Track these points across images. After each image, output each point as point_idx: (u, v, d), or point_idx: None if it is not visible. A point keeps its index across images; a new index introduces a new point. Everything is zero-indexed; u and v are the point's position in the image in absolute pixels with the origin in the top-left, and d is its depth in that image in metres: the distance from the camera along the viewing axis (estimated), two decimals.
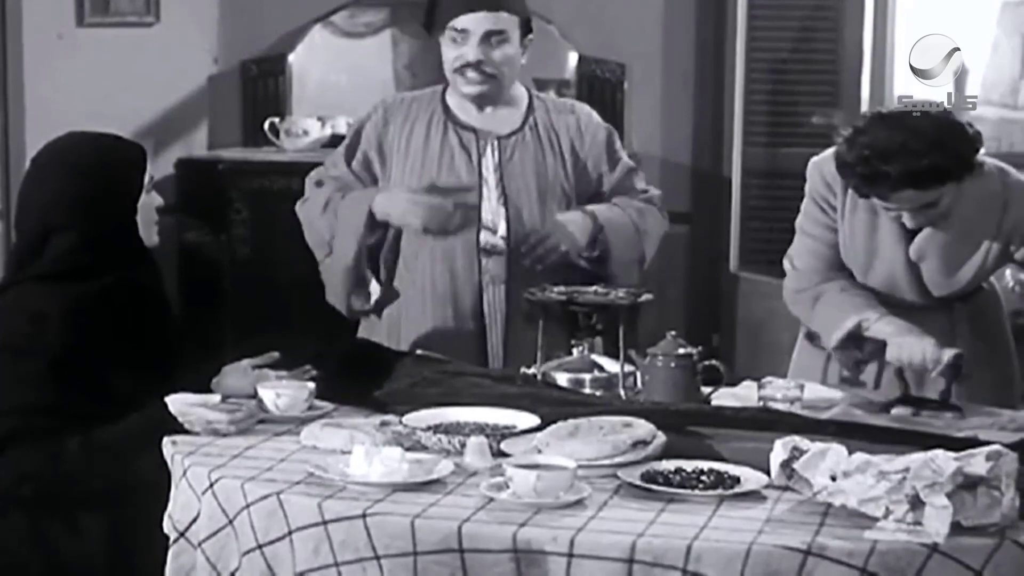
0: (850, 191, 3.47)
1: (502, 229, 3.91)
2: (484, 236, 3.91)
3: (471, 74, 3.89)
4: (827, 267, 3.62)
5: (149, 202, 3.34)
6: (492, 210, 3.92)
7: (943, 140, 3.32)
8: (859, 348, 3.56)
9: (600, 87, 6.23)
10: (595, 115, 4.10)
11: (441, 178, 3.92)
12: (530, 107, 4.00)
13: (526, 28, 4.00)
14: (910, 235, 3.49)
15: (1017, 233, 3.46)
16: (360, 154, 3.99)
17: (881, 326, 3.48)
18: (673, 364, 3.34)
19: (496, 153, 3.94)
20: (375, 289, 3.98)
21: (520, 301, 3.75)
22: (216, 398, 3.16)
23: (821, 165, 3.57)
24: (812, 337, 3.70)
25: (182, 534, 2.89)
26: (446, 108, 3.98)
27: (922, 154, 3.30)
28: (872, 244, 3.53)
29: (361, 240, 3.90)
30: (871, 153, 3.33)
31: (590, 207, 3.94)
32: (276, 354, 3.45)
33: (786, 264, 3.74)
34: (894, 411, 3.29)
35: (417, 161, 3.94)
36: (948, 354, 3.37)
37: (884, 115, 3.40)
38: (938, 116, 3.37)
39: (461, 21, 3.87)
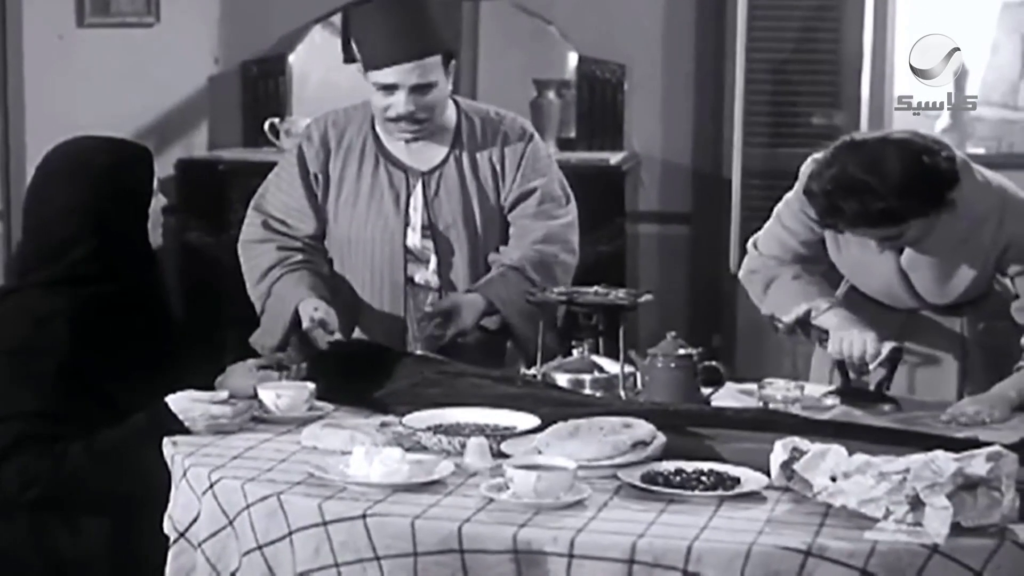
0: None
1: (433, 264, 3.89)
2: (419, 273, 3.89)
3: (404, 125, 3.82)
4: (791, 259, 3.63)
5: (155, 203, 3.35)
6: (419, 248, 3.89)
7: (909, 183, 3.25)
8: (806, 334, 3.58)
9: (600, 88, 6.23)
10: (520, 127, 3.98)
11: (370, 218, 3.88)
12: (457, 133, 3.92)
13: (449, 56, 3.86)
14: (900, 245, 3.48)
15: (1012, 248, 3.43)
16: (312, 177, 3.93)
17: (828, 317, 3.51)
18: (673, 365, 3.35)
19: (421, 190, 3.90)
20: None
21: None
22: (222, 395, 3.16)
23: None
24: (820, 341, 3.70)
25: (182, 534, 2.89)
26: (377, 139, 3.92)
27: (880, 197, 3.24)
28: (864, 252, 3.52)
29: (287, 332, 3.84)
30: (833, 187, 3.29)
31: (490, 291, 3.81)
32: (281, 355, 3.45)
33: (749, 245, 3.75)
34: (831, 403, 3.34)
35: (350, 195, 3.91)
36: (887, 347, 3.40)
37: (857, 144, 3.33)
38: (914, 153, 3.28)
39: (387, 75, 3.77)
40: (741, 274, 3.74)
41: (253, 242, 4.00)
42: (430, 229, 3.89)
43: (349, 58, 3.96)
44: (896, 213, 3.28)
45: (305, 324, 3.75)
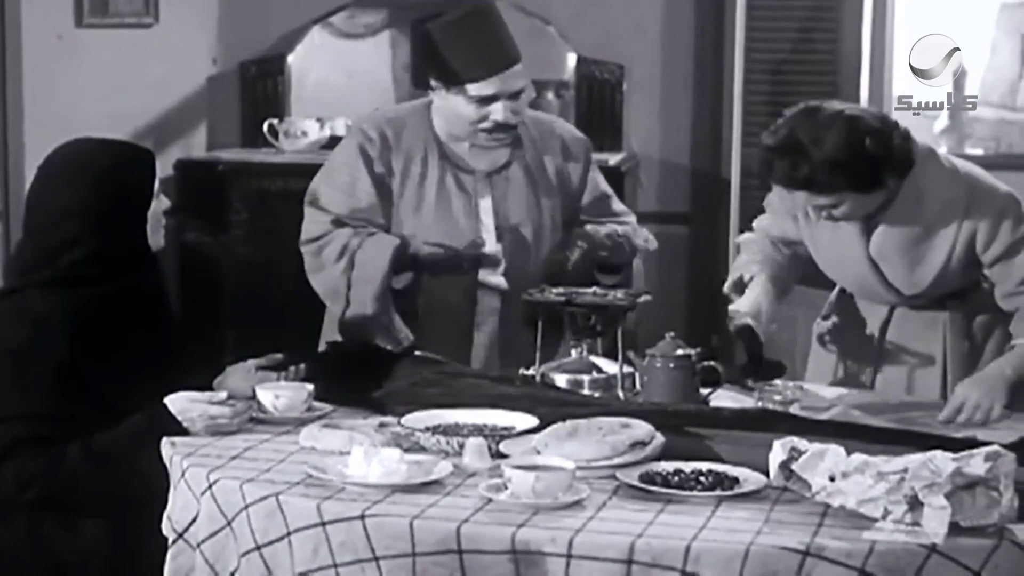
0: None
1: (502, 266, 3.88)
2: (483, 274, 3.87)
3: (499, 134, 3.83)
4: (775, 239, 3.70)
5: (156, 206, 3.35)
6: (491, 251, 3.88)
7: (842, 159, 3.30)
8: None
9: (599, 88, 6.23)
10: (576, 133, 4.06)
11: (438, 222, 3.86)
12: (516, 135, 3.92)
13: None
14: (868, 233, 3.49)
15: (980, 235, 3.44)
16: (379, 176, 3.88)
17: (752, 285, 3.58)
18: (672, 365, 3.34)
19: (490, 192, 3.90)
20: (402, 331, 3.85)
21: (513, 336, 3.80)
22: (221, 395, 3.16)
23: None
24: (822, 341, 3.72)
25: (181, 535, 2.89)
26: (438, 141, 3.90)
27: (810, 164, 3.30)
28: (835, 244, 3.55)
29: (383, 287, 3.80)
30: (774, 144, 3.36)
31: (621, 230, 3.91)
32: (279, 356, 3.45)
33: (755, 223, 3.82)
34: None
35: (413, 198, 3.88)
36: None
37: (813, 111, 3.38)
38: (858, 131, 3.33)
39: (485, 86, 3.78)
40: (740, 239, 3.83)
41: (318, 237, 3.89)
42: (499, 231, 3.89)
43: (423, 82, 3.88)
44: (820, 183, 3.34)
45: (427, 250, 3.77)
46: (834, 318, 3.71)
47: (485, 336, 3.90)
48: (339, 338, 3.87)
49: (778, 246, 3.69)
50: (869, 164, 3.34)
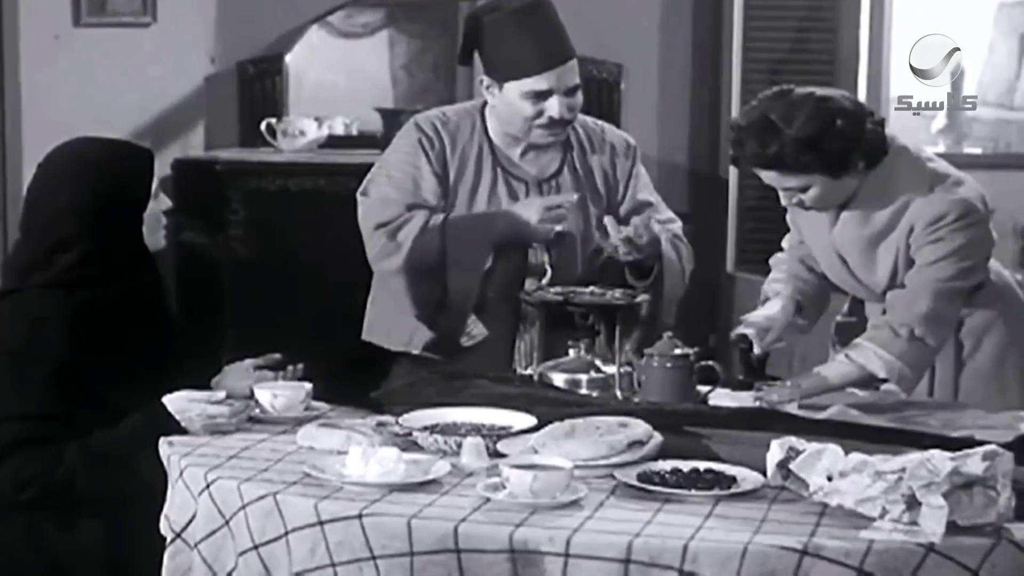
0: None
1: (548, 277, 3.83)
2: (528, 283, 3.83)
3: (555, 129, 3.80)
4: (796, 255, 3.71)
5: (156, 206, 3.35)
6: (538, 261, 3.84)
7: (811, 137, 3.31)
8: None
9: (597, 88, 6.23)
10: (627, 138, 4.03)
11: None
12: (567, 140, 3.89)
13: None
14: (834, 226, 3.51)
15: (918, 223, 3.42)
16: (437, 173, 3.83)
17: (772, 300, 3.62)
18: (670, 364, 3.34)
19: None
20: (476, 325, 3.82)
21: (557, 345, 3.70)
22: (219, 395, 3.16)
23: None
24: (834, 344, 3.73)
25: (179, 535, 2.89)
26: (492, 145, 3.87)
27: (780, 142, 3.32)
28: (813, 236, 3.57)
29: (481, 267, 3.76)
30: (745, 123, 3.38)
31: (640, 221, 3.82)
32: (278, 355, 3.45)
33: (784, 242, 3.83)
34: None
35: (464, 206, 3.85)
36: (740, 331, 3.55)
37: (785, 93, 3.41)
38: (829, 112, 3.34)
39: (540, 81, 3.75)
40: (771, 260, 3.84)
41: (391, 220, 3.79)
42: (547, 240, 3.84)
43: (466, 57, 3.84)
44: (790, 162, 3.34)
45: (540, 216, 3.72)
46: (841, 318, 3.73)
47: (527, 345, 3.87)
48: (374, 337, 3.84)
49: (805, 265, 3.67)
50: (840, 145, 3.34)
